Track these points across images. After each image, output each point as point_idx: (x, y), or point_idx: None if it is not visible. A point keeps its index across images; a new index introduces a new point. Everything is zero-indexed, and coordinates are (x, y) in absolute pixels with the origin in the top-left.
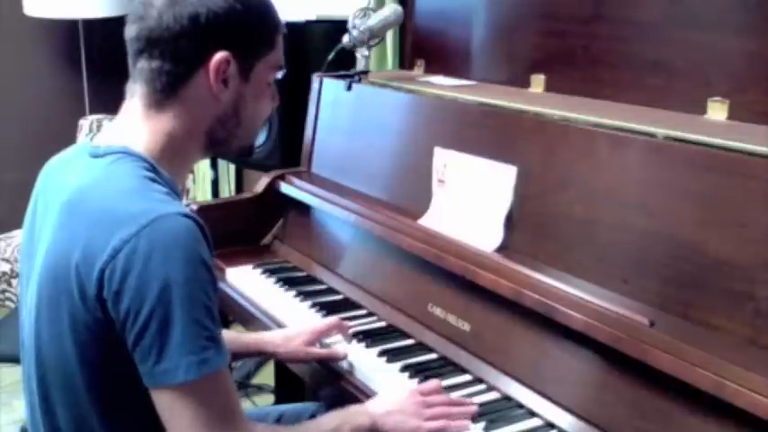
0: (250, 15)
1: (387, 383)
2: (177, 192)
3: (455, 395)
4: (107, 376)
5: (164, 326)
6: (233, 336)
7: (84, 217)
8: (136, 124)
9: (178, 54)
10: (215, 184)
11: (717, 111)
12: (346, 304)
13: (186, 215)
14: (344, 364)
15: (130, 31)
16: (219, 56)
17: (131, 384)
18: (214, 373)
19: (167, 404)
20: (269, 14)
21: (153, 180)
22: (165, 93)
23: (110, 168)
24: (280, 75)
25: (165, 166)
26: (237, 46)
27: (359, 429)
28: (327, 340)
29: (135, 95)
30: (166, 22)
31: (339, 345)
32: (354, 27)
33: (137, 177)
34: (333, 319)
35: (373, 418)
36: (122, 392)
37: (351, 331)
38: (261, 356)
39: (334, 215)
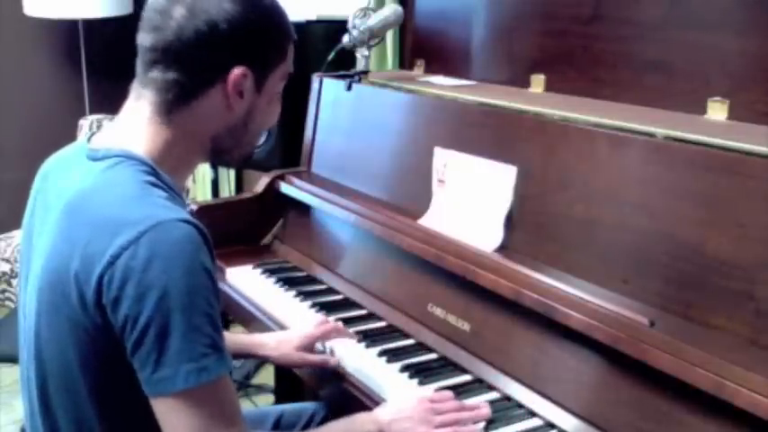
0: (268, 30)
1: (387, 383)
2: (179, 194)
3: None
4: (108, 380)
5: (162, 334)
6: (230, 337)
7: (84, 223)
8: (139, 127)
9: (196, 68)
10: (215, 184)
11: (717, 111)
12: (346, 304)
13: (187, 221)
14: (344, 365)
15: (145, 40)
16: (238, 71)
17: (132, 388)
18: (214, 381)
19: (165, 412)
20: (282, 27)
21: (153, 184)
22: (176, 103)
23: (109, 173)
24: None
25: (166, 169)
26: (255, 60)
27: None
28: (329, 343)
29: (142, 99)
30: (186, 36)
31: (341, 345)
32: (354, 27)
33: (137, 182)
34: (328, 325)
35: (380, 425)
36: (123, 396)
37: (351, 331)
38: (256, 359)
39: (334, 215)
